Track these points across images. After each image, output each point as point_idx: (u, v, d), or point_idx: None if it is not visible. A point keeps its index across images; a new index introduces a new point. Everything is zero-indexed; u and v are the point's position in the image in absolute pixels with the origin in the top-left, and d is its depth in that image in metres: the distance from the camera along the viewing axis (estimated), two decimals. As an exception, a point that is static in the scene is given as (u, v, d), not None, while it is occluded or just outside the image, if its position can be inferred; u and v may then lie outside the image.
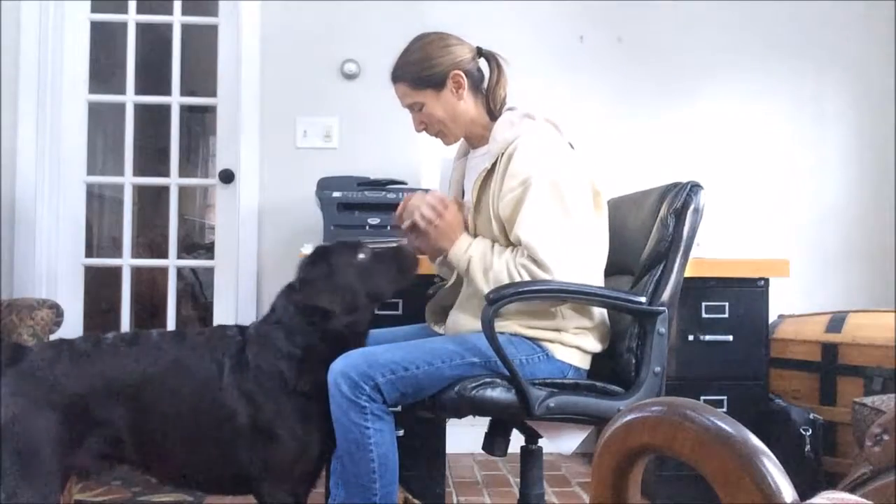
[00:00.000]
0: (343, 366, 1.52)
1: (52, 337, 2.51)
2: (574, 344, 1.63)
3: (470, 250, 1.65)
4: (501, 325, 1.61)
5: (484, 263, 1.62)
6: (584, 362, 1.66)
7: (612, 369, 1.67)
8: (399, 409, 1.63)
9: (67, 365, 1.49)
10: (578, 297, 1.60)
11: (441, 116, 1.76)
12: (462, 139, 1.87)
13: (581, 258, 1.61)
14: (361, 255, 1.66)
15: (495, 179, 1.66)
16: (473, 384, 1.54)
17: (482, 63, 1.81)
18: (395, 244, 1.73)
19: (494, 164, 1.67)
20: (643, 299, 1.61)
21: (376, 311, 1.72)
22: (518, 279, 1.55)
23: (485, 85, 1.80)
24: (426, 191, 1.77)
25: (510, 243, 1.64)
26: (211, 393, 1.53)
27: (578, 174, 1.64)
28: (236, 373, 1.55)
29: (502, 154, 1.65)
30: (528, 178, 1.58)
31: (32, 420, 1.43)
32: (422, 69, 1.74)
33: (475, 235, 1.72)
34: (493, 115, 1.77)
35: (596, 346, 1.67)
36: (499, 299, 1.49)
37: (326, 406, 1.53)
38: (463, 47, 1.78)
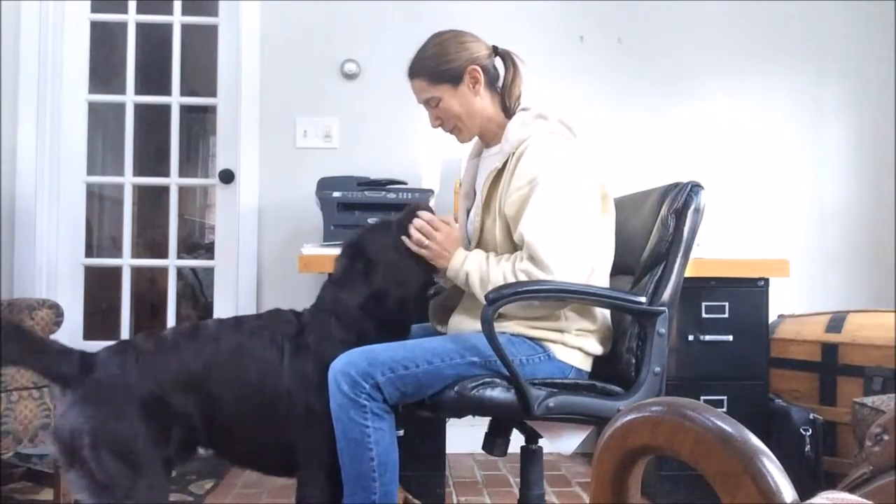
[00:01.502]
0: (343, 364, 1.52)
1: (53, 337, 2.51)
2: (576, 345, 1.63)
3: (466, 265, 1.65)
4: (503, 326, 1.61)
5: (480, 276, 1.62)
6: (585, 364, 1.66)
7: (612, 369, 1.67)
8: (399, 409, 1.63)
9: (136, 365, 1.53)
10: (578, 297, 1.60)
11: (457, 111, 1.76)
12: (476, 138, 1.87)
13: (584, 260, 1.61)
14: (387, 234, 1.73)
15: (504, 178, 1.66)
16: (473, 384, 1.54)
17: (497, 62, 1.82)
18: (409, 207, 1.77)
19: (506, 163, 1.67)
20: (643, 299, 1.61)
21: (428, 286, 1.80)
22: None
23: (500, 83, 1.81)
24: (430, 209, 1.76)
25: (513, 244, 1.64)
26: (273, 375, 1.57)
27: (587, 176, 1.64)
28: (296, 357, 1.59)
29: (513, 154, 1.66)
30: (535, 177, 1.58)
31: (120, 423, 1.48)
32: (439, 64, 1.74)
33: (481, 234, 1.73)
34: (509, 113, 1.77)
35: (598, 349, 1.67)
36: (498, 299, 1.48)
37: None
38: (479, 44, 1.78)
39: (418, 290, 1.76)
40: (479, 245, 1.74)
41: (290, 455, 1.59)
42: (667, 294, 1.62)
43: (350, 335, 1.63)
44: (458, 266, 1.65)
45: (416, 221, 1.69)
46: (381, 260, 1.70)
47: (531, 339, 1.62)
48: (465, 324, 1.71)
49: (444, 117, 1.79)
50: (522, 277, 1.55)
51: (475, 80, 1.74)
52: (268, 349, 1.59)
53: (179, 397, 1.53)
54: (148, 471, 1.47)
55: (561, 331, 1.63)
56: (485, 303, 1.56)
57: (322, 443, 1.55)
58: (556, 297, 1.59)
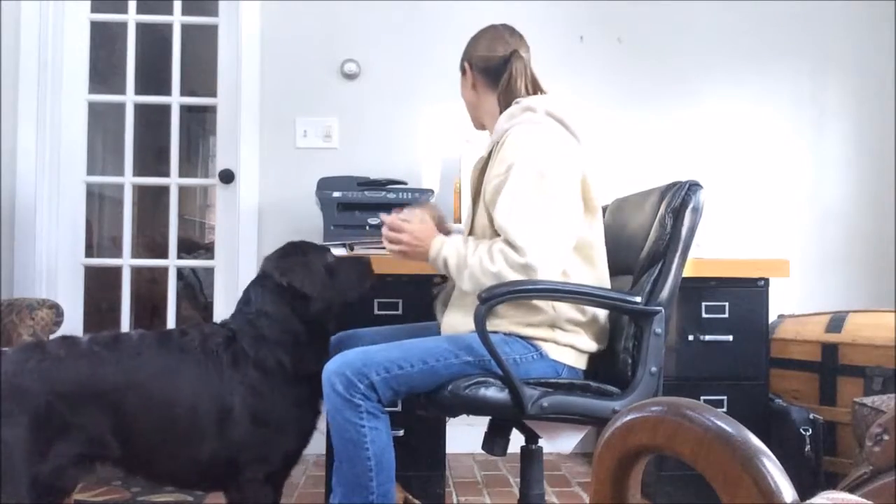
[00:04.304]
0: (338, 364, 1.52)
1: (52, 337, 2.51)
2: (568, 343, 1.63)
3: (444, 251, 1.65)
4: (495, 325, 1.61)
5: (458, 260, 1.63)
6: (579, 362, 1.66)
7: (608, 369, 1.66)
8: (399, 408, 1.63)
9: (37, 368, 1.45)
10: (574, 297, 1.60)
11: (465, 99, 1.87)
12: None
13: (560, 243, 1.60)
14: (329, 258, 1.75)
15: (489, 168, 1.69)
16: (467, 383, 1.53)
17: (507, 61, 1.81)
18: (354, 256, 1.81)
19: (491, 153, 1.70)
20: (638, 299, 1.60)
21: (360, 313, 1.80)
22: (494, 268, 1.54)
23: (503, 82, 1.81)
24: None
25: (496, 231, 1.64)
26: (213, 394, 1.54)
27: (567, 165, 1.63)
28: (235, 368, 1.57)
29: (497, 143, 1.68)
30: (512, 163, 1.60)
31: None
32: (463, 54, 1.86)
33: (472, 223, 1.74)
34: None
35: (591, 345, 1.66)
36: (491, 298, 1.48)
37: (312, 389, 1.59)
38: (494, 44, 1.81)
39: (345, 300, 1.75)
40: (470, 234, 1.76)
41: (228, 467, 1.56)
42: (664, 294, 1.62)
43: (284, 335, 1.63)
44: (436, 253, 1.66)
45: (387, 222, 1.70)
46: (315, 266, 1.69)
47: (523, 337, 1.62)
48: (455, 320, 1.70)
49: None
50: (500, 258, 1.54)
51: (472, 74, 1.81)
52: (202, 367, 1.54)
53: (83, 411, 1.45)
54: (7, 484, 1.38)
55: (552, 326, 1.62)
56: (464, 289, 1.60)
57: (265, 444, 1.54)
58: (551, 297, 1.59)
